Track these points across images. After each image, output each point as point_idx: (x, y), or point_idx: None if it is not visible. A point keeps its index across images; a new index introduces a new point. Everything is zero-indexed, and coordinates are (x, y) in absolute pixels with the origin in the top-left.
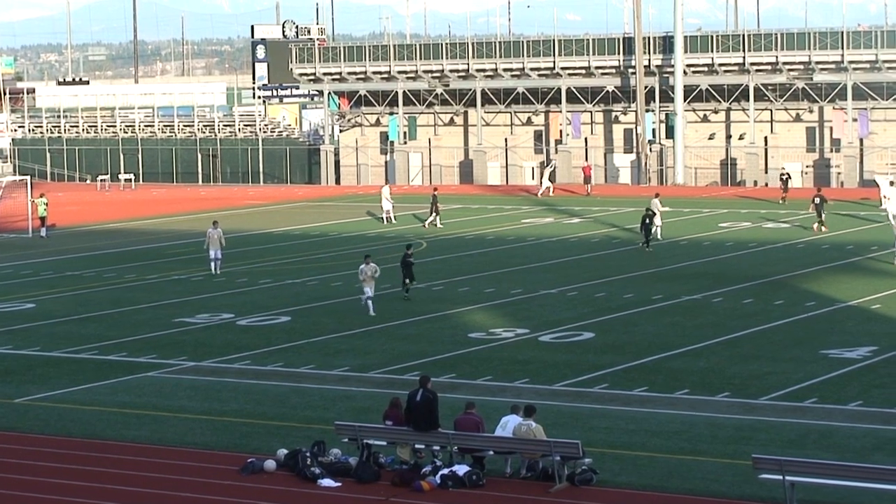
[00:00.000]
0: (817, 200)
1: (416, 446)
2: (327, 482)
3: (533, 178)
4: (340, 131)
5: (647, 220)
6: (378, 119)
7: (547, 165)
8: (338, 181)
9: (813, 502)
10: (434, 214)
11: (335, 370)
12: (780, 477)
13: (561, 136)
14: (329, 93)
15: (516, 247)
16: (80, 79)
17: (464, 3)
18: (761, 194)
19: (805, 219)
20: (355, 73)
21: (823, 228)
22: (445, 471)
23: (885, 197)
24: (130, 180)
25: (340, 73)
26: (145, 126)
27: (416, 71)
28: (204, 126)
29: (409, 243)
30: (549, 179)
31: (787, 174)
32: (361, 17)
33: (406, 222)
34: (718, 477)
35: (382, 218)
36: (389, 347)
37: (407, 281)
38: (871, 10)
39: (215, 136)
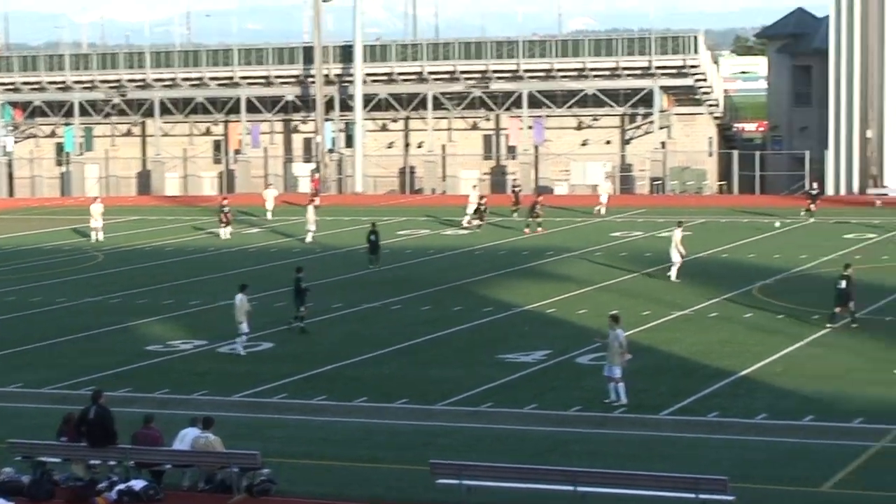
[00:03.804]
0: (537, 206)
1: (91, 462)
2: None
3: (212, 188)
4: (15, 143)
5: (374, 237)
6: (53, 130)
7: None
8: (11, 193)
9: None
10: (225, 224)
11: (8, 387)
12: (458, 482)
13: (240, 145)
14: (3, 103)
15: (196, 258)
16: None
17: (142, 13)
18: (443, 201)
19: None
20: (30, 84)
21: (539, 230)
22: (122, 486)
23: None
24: None
25: (14, 84)
26: None
27: (93, 81)
28: None
29: (299, 265)
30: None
31: (519, 186)
32: (36, 27)
33: (113, 232)
34: (397, 483)
35: (91, 235)
36: (65, 362)
37: (303, 309)
38: (545, 20)
39: None
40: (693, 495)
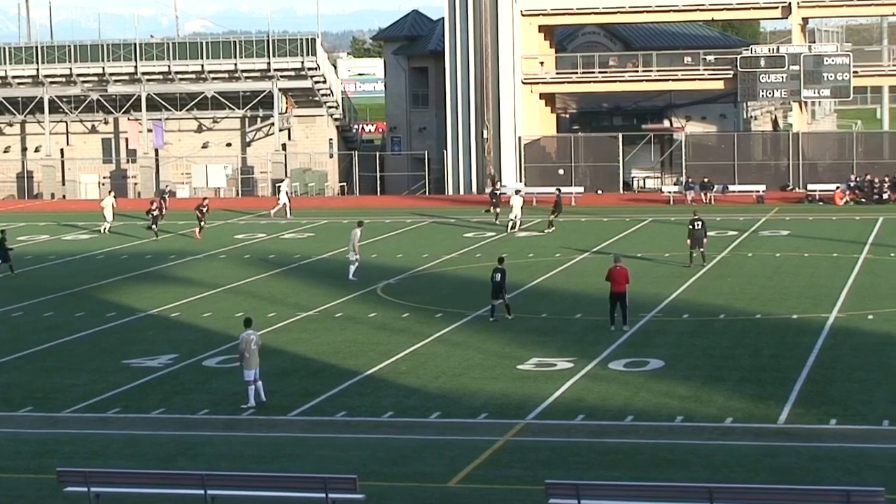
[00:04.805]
0: (205, 209)
1: None
2: None
3: None
4: None
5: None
6: None
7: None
8: None
9: None
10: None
11: None
12: (86, 489)
13: None
14: None
15: None
16: None
17: None
18: (63, 206)
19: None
20: None
21: (197, 236)
22: None
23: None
24: None
25: None
26: None
27: None
28: None
29: None
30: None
31: (171, 192)
32: None
33: None
34: (23, 492)
35: None
36: None
37: None
38: (163, 23)
39: None
40: (323, 495)
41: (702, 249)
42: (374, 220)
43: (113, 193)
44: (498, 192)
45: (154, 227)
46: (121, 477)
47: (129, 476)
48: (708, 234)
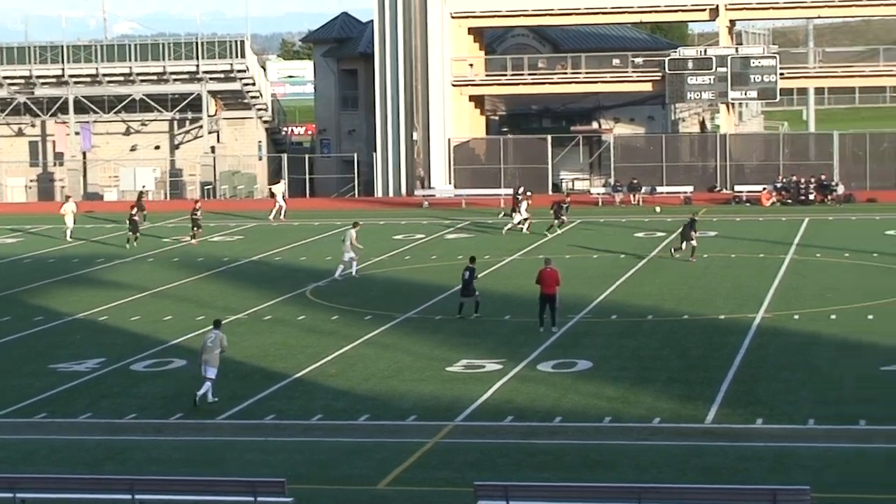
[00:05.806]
0: (198, 213)
1: None
2: None
3: None
4: None
5: None
6: None
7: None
8: None
9: None
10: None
11: None
12: (12, 495)
13: None
14: None
15: None
16: None
17: None
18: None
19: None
20: None
21: (194, 242)
22: None
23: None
24: None
25: None
26: None
27: None
28: None
29: None
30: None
31: (146, 191)
32: None
33: None
34: None
35: None
36: None
37: None
38: (90, 25)
39: None
40: (251, 498)
41: (692, 243)
42: (303, 223)
43: (72, 199)
44: (519, 197)
45: (136, 233)
46: (48, 482)
47: (57, 481)
48: (695, 232)
